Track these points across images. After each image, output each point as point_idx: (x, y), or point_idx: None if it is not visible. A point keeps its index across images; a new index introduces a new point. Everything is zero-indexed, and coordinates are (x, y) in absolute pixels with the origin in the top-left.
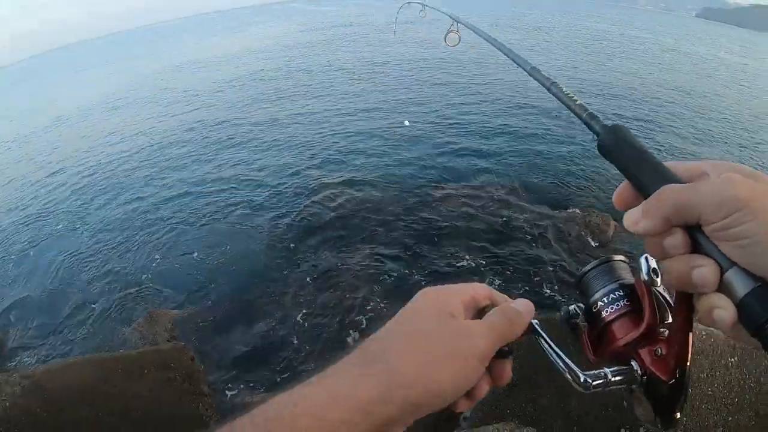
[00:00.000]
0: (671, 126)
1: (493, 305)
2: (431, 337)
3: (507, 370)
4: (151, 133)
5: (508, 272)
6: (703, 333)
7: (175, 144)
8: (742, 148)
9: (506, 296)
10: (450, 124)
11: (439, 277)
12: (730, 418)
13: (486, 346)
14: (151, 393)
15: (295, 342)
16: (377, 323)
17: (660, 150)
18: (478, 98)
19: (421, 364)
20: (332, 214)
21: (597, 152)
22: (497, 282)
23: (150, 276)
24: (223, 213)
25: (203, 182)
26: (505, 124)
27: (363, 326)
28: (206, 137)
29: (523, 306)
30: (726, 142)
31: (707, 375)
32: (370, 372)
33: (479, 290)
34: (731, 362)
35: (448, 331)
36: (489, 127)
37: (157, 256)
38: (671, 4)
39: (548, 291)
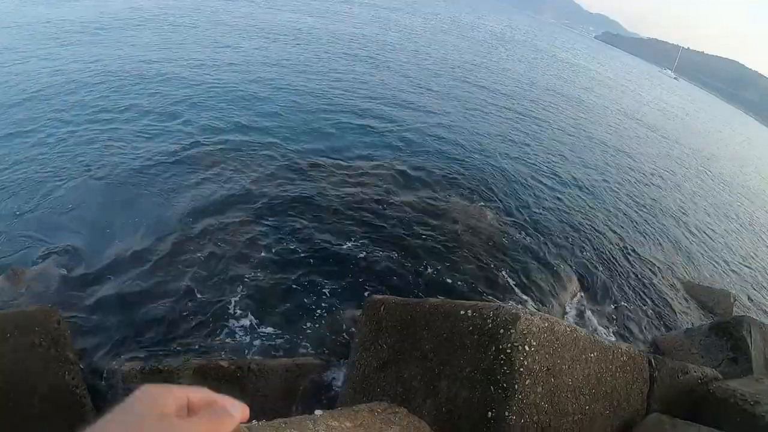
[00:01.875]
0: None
1: (209, 406)
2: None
3: None
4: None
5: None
6: (568, 328)
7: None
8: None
9: (228, 399)
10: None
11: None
12: (587, 407)
13: None
14: (14, 356)
15: (172, 313)
16: (259, 304)
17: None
18: None
19: None
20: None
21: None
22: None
23: (16, 224)
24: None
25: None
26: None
27: (244, 307)
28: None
29: (235, 408)
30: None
31: (569, 367)
32: None
33: (195, 393)
34: (591, 357)
35: (156, 428)
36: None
37: (27, 203)
38: (573, 23)
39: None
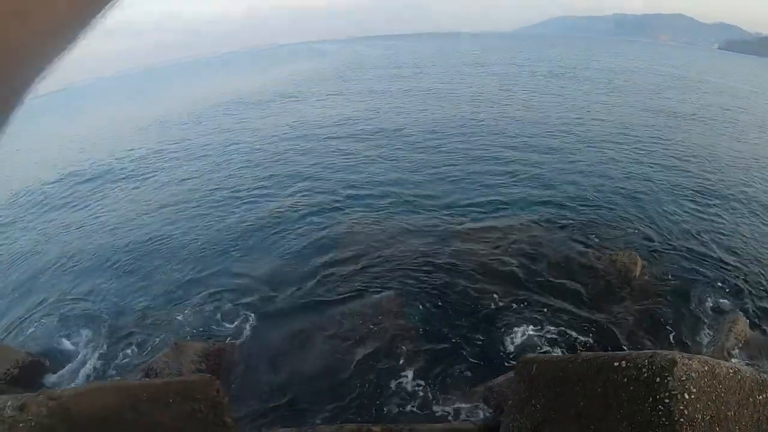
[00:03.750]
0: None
1: None
2: None
3: None
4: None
5: (538, 311)
6: (730, 370)
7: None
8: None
9: None
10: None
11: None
12: None
13: None
14: (174, 422)
15: (322, 387)
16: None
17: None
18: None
19: None
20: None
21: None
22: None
23: (178, 305)
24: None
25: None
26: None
27: (401, 385)
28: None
29: None
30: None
31: (735, 413)
32: None
33: None
34: (760, 399)
35: None
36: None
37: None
38: (692, 39)
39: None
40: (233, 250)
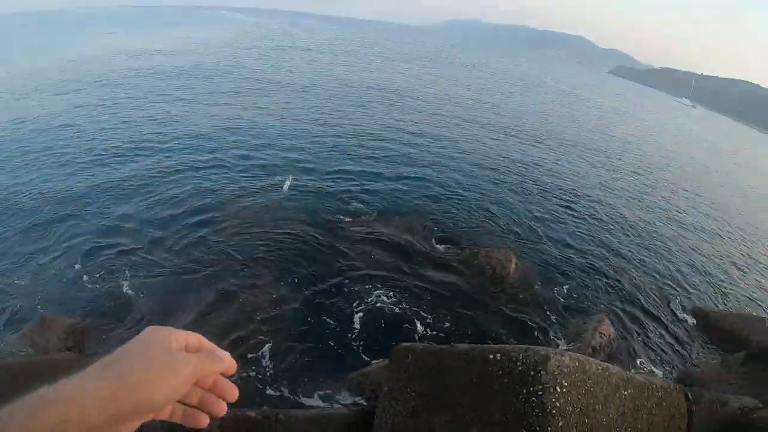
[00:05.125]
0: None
1: (201, 349)
2: (155, 358)
3: (227, 389)
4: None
5: (415, 301)
6: (599, 366)
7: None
8: None
9: (214, 345)
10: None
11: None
12: None
13: (190, 370)
14: None
15: None
16: (286, 355)
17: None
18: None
19: (146, 372)
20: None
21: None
22: (409, 307)
23: (44, 279)
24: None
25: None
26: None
27: (271, 357)
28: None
29: (223, 354)
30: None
31: (603, 405)
32: (106, 376)
33: (192, 337)
34: (626, 394)
35: (166, 356)
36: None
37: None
38: (586, 60)
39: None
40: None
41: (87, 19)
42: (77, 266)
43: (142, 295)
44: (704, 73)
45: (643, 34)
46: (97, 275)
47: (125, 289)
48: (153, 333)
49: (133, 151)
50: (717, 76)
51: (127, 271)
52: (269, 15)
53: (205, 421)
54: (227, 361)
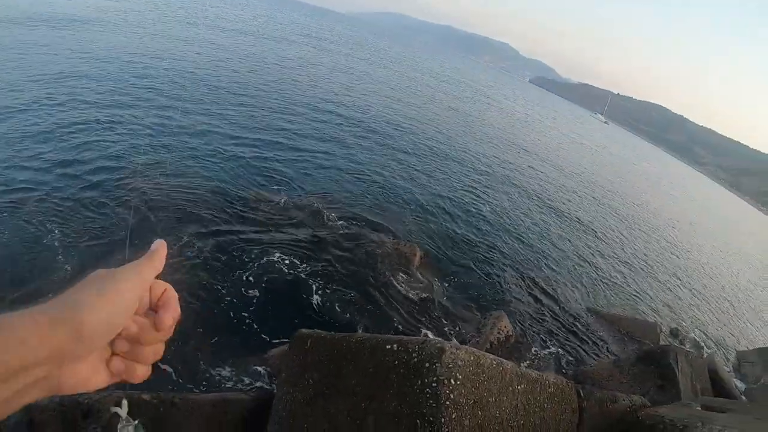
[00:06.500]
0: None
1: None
2: (93, 280)
3: (166, 320)
4: None
5: (319, 285)
6: (494, 361)
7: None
8: None
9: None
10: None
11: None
12: None
13: (136, 280)
14: None
15: None
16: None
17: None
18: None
19: (93, 295)
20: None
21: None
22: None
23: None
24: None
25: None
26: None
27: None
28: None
29: (156, 245)
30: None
31: (496, 399)
32: (53, 305)
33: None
34: (519, 389)
35: (110, 278)
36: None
37: None
38: (510, 67)
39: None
40: None
41: None
42: None
43: None
44: (620, 93)
45: (565, 46)
46: None
47: None
48: (98, 272)
49: None
50: (632, 97)
51: None
52: None
53: (144, 371)
54: (161, 251)
